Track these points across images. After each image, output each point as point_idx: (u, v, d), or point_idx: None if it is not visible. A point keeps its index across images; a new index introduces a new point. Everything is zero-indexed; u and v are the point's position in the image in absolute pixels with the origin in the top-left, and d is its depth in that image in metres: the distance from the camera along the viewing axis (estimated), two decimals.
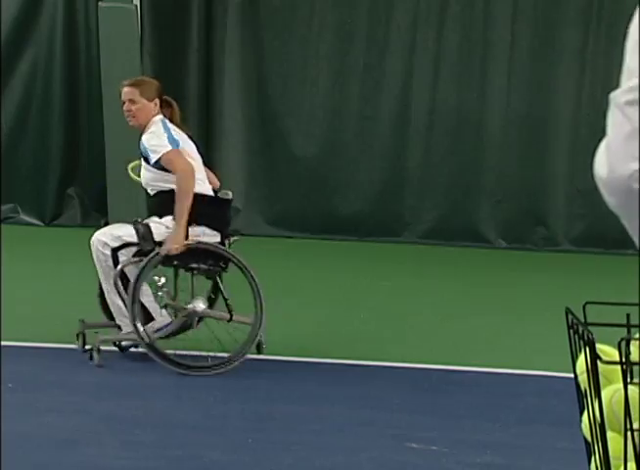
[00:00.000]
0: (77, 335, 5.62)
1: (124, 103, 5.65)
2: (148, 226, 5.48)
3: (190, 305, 5.50)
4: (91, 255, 5.51)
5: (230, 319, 5.55)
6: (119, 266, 5.41)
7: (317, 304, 7.38)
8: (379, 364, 5.75)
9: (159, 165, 5.49)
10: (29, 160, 10.69)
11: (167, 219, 5.50)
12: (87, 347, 5.52)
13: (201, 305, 5.52)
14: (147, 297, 5.51)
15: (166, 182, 5.51)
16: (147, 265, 5.38)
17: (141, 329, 5.31)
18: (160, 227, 5.48)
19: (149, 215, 5.64)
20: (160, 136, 5.52)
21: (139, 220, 5.57)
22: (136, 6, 10.05)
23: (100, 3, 9.89)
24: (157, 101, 5.71)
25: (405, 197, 10.29)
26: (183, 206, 5.37)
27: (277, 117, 10.46)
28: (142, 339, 5.32)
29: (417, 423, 4.78)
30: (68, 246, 9.58)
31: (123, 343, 5.60)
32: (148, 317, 5.49)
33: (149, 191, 5.66)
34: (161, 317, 5.55)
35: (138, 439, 4.44)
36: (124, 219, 9.13)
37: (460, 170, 10.19)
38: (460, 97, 10.17)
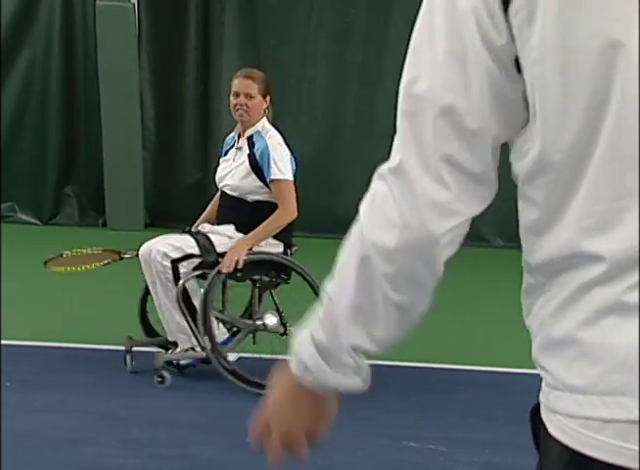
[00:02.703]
0: (126, 353, 5.35)
1: (237, 95, 5.31)
2: (208, 237, 5.25)
3: (260, 321, 5.32)
4: (140, 266, 5.22)
5: (284, 333, 5.34)
6: (182, 281, 5.10)
7: (313, 303, 7.37)
8: (377, 363, 5.72)
9: (264, 180, 5.26)
10: (27, 158, 10.70)
11: (228, 228, 5.30)
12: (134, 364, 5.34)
13: (273, 320, 5.34)
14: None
15: (255, 194, 5.29)
16: (214, 281, 5.10)
17: (208, 346, 5.07)
18: (223, 238, 5.26)
19: (217, 220, 5.44)
20: (284, 156, 5.29)
21: (194, 230, 5.37)
22: (134, 4, 10.05)
23: (97, 1, 9.90)
24: (268, 98, 5.46)
25: None
26: (267, 232, 5.18)
27: (275, 117, 10.45)
28: (221, 360, 5.08)
29: (415, 422, 4.78)
30: (65, 245, 9.55)
31: (182, 362, 5.30)
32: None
33: (227, 191, 5.40)
34: (219, 332, 5.28)
35: (136, 438, 4.44)
36: (124, 219, 9.11)
37: None
38: None
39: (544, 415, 1.44)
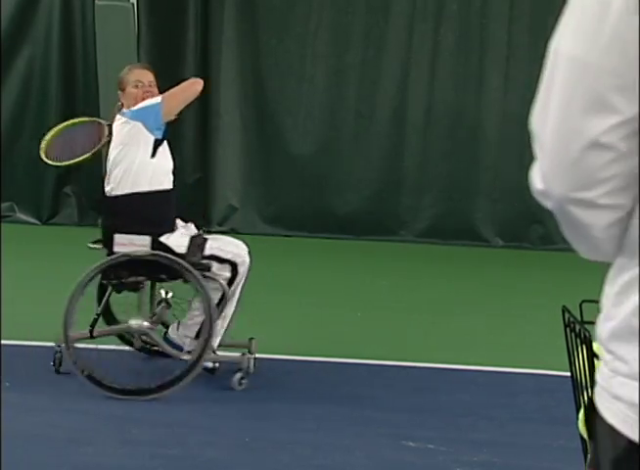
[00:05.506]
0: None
1: (142, 84, 5.33)
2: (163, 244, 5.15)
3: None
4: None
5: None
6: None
7: (314, 302, 7.38)
8: (376, 363, 5.75)
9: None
10: (26, 158, 10.68)
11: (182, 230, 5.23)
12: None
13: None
14: None
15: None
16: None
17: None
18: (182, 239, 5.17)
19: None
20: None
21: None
22: (133, 4, 10.05)
23: (97, 1, 9.89)
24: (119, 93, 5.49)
25: (402, 195, 10.30)
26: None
27: (274, 116, 10.46)
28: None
29: (414, 422, 4.78)
30: (65, 245, 9.57)
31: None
32: None
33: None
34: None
35: (136, 438, 4.44)
36: None
37: (457, 169, 10.19)
38: (457, 96, 10.17)
39: (600, 400, 1.43)
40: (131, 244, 5.05)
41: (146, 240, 5.06)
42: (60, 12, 10.51)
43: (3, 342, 5.51)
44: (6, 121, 10.66)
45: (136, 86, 5.31)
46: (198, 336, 5.12)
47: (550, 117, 1.39)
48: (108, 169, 5.33)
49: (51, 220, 10.67)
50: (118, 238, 5.06)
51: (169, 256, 5.03)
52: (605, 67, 1.33)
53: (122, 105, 5.37)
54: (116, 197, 5.22)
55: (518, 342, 6.38)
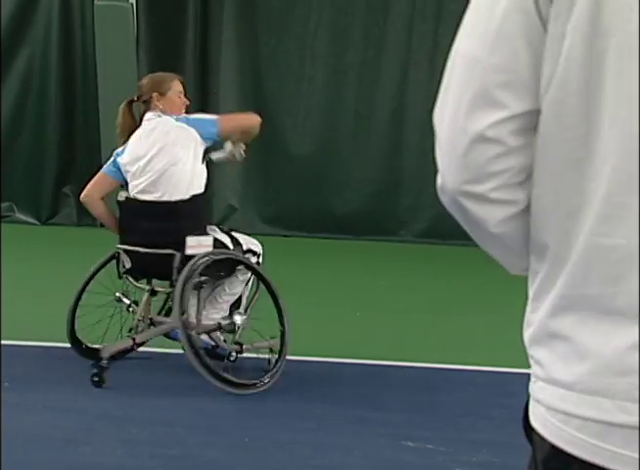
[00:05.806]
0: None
1: (182, 94, 5.52)
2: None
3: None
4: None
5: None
6: None
7: (313, 302, 7.38)
8: (375, 363, 5.75)
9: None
10: (25, 158, 10.71)
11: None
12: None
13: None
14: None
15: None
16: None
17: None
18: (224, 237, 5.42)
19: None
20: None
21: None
22: (132, 4, 10.06)
23: (96, 1, 9.90)
24: (154, 94, 5.56)
25: (401, 196, 10.31)
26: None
27: (273, 116, 10.46)
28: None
29: (413, 422, 4.79)
30: (64, 245, 9.58)
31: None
32: None
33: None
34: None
35: (134, 437, 4.44)
36: None
37: None
38: None
39: (530, 405, 1.45)
40: (200, 245, 5.22)
41: (209, 240, 5.27)
42: (59, 11, 10.53)
43: (2, 342, 5.51)
44: (5, 120, 10.68)
45: (180, 97, 5.51)
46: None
47: (446, 113, 1.43)
48: (155, 170, 5.30)
49: (50, 221, 10.68)
50: (190, 241, 5.19)
51: (240, 255, 5.36)
52: (492, 63, 1.36)
53: (148, 106, 5.46)
54: (180, 201, 5.32)
55: (516, 342, 6.37)
